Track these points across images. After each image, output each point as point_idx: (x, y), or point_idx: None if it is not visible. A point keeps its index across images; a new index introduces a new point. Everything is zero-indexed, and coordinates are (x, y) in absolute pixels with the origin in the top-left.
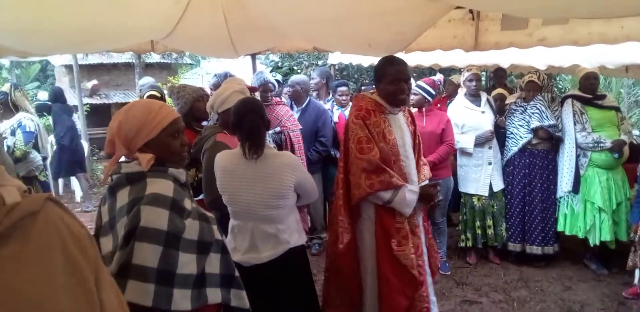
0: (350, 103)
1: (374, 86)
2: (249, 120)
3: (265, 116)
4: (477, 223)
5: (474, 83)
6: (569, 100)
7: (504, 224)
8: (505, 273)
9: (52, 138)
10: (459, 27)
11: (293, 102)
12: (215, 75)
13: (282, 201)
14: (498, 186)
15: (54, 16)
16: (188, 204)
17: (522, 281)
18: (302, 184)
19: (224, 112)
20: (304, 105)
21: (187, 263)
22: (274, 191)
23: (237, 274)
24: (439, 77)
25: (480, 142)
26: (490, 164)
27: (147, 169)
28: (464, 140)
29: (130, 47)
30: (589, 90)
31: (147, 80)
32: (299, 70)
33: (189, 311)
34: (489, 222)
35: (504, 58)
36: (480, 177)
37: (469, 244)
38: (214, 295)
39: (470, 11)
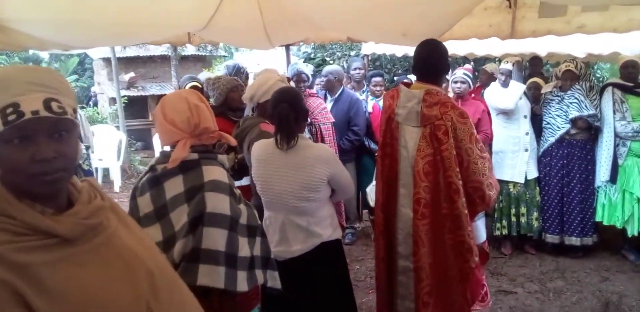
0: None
1: (407, 77)
2: (279, 109)
3: (300, 106)
4: (512, 211)
5: (502, 77)
6: (610, 88)
7: (535, 213)
8: (541, 264)
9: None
10: (495, 15)
11: (327, 92)
12: (226, 66)
13: (312, 194)
14: (532, 174)
15: (94, 9)
16: (236, 190)
17: (559, 271)
18: (336, 178)
19: (265, 102)
20: (336, 95)
21: (243, 246)
22: (304, 182)
23: (272, 255)
24: (470, 66)
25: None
26: (526, 150)
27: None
28: (501, 99)
29: (167, 39)
30: (629, 79)
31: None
32: (331, 61)
33: (245, 292)
34: (523, 210)
35: (541, 46)
36: (517, 163)
37: (504, 232)
38: (260, 276)
39: None
